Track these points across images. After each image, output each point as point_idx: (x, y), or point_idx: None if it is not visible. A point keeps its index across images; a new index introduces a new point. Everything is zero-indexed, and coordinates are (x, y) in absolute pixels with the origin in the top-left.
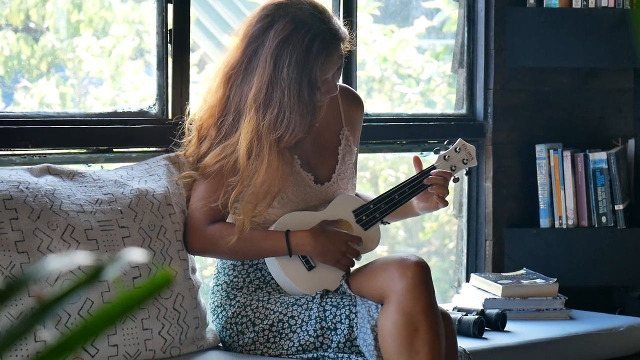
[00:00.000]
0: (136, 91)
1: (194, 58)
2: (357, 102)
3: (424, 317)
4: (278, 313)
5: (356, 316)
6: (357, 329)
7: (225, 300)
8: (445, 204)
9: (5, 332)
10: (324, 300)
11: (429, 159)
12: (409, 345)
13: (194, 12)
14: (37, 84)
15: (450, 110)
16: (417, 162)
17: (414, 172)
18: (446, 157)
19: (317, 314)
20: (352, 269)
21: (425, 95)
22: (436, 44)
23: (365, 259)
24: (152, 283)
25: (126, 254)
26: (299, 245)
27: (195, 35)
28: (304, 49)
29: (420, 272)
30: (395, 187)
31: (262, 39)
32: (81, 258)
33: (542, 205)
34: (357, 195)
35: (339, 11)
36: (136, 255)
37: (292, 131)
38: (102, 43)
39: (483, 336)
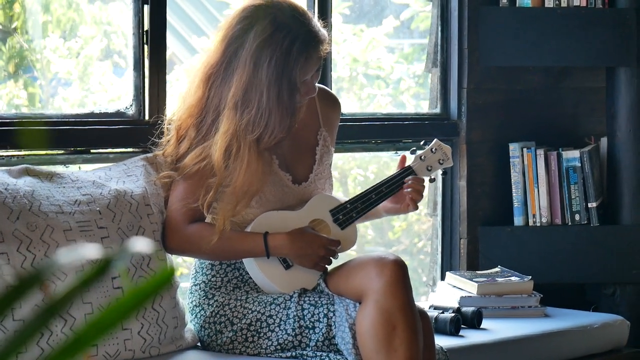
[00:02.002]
0: (105, 92)
1: None
2: (334, 103)
3: (402, 315)
4: (256, 312)
5: (334, 315)
6: (335, 328)
7: (204, 299)
8: (415, 208)
9: (18, 329)
10: (302, 299)
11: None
12: (387, 344)
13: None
14: (5, 86)
15: (423, 110)
16: (403, 161)
17: (384, 172)
18: (422, 157)
19: (295, 313)
20: (329, 267)
21: (395, 97)
22: (404, 43)
23: (342, 258)
24: (155, 280)
25: (131, 245)
26: (277, 248)
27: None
28: (284, 51)
29: (398, 270)
30: (372, 186)
31: (242, 41)
32: (91, 251)
33: (515, 204)
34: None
35: (314, 12)
36: (141, 245)
37: (272, 132)
38: (70, 44)
39: (459, 334)
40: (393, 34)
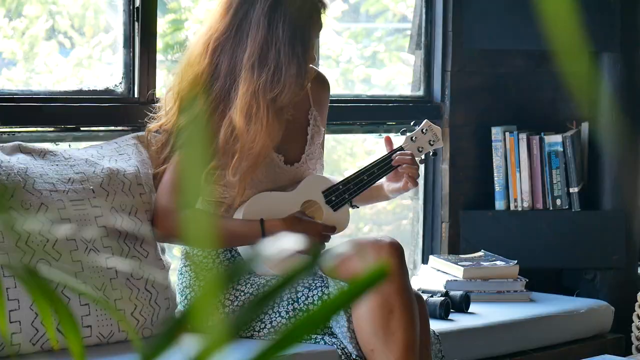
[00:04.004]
0: (50, 74)
1: (108, 39)
2: (324, 83)
3: (399, 298)
4: (249, 294)
5: (329, 297)
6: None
7: (194, 281)
8: (416, 184)
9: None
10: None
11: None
12: (384, 326)
13: None
14: None
15: (406, 92)
16: (388, 142)
17: (363, 154)
18: (413, 138)
19: (289, 296)
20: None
21: (344, 75)
22: (352, 27)
23: (335, 240)
24: (370, 277)
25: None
26: (273, 232)
27: (109, 17)
28: (297, 8)
29: (395, 253)
30: (364, 167)
31: (251, 3)
32: (291, 243)
33: (497, 188)
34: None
35: None
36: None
37: (288, 89)
38: (14, 24)
39: (449, 318)
40: (341, 17)
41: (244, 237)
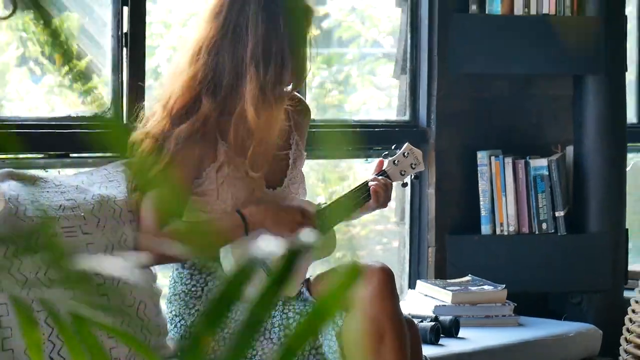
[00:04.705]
0: (21, 101)
1: (80, 67)
2: (305, 107)
3: (390, 323)
4: (239, 321)
5: (308, 311)
6: (322, 336)
7: (184, 309)
8: (380, 205)
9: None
10: (287, 307)
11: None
12: (375, 352)
13: (79, 18)
14: None
15: (393, 117)
16: (380, 165)
17: (350, 181)
18: (395, 161)
19: (280, 322)
20: (312, 276)
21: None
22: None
23: (323, 264)
24: (346, 278)
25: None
26: (253, 216)
27: (81, 42)
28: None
29: (385, 278)
30: (350, 191)
31: (243, 2)
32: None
33: (483, 212)
34: None
35: None
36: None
37: (296, 82)
38: None
39: (439, 343)
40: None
41: (226, 228)
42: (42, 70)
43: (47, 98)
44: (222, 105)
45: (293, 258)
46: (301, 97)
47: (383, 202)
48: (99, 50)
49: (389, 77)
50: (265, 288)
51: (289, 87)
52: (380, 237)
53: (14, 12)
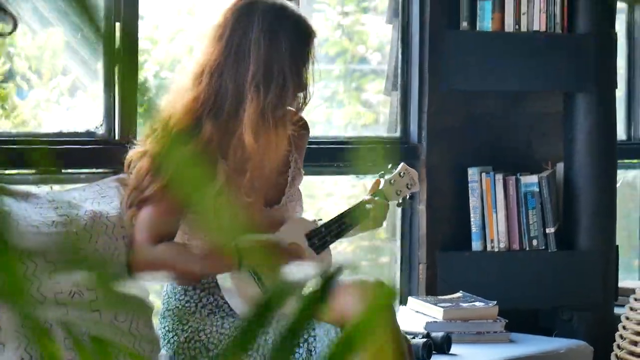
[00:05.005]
0: (6, 118)
1: (65, 82)
2: (305, 127)
3: (387, 340)
4: (233, 338)
5: (315, 339)
6: (315, 353)
7: (177, 325)
8: (374, 225)
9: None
10: (280, 324)
11: (367, 182)
12: None
13: (65, 36)
14: None
15: (383, 134)
16: (376, 184)
17: (337, 197)
18: (391, 181)
19: (273, 338)
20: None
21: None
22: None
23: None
24: (377, 301)
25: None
26: (247, 252)
27: (66, 60)
28: (294, 21)
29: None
30: (346, 210)
31: (249, 21)
32: (309, 270)
33: (474, 229)
34: None
35: None
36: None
37: (298, 105)
38: None
39: (431, 359)
40: None
41: (217, 262)
42: (29, 85)
43: (34, 113)
44: (224, 128)
45: (329, 281)
46: (302, 116)
47: (379, 221)
48: (90, 66)
49: (376, 94)
50: (301, 309)
51: (291, 108)
52: (366, 253)
53: (14, 29)
